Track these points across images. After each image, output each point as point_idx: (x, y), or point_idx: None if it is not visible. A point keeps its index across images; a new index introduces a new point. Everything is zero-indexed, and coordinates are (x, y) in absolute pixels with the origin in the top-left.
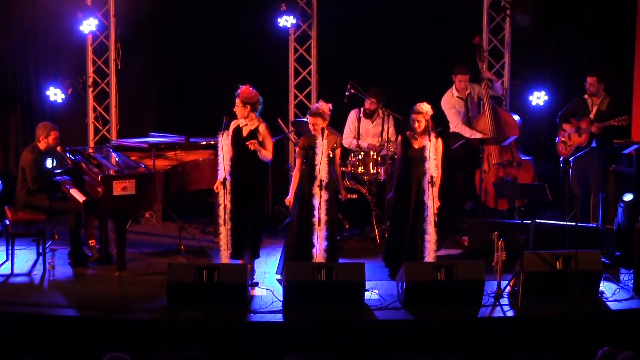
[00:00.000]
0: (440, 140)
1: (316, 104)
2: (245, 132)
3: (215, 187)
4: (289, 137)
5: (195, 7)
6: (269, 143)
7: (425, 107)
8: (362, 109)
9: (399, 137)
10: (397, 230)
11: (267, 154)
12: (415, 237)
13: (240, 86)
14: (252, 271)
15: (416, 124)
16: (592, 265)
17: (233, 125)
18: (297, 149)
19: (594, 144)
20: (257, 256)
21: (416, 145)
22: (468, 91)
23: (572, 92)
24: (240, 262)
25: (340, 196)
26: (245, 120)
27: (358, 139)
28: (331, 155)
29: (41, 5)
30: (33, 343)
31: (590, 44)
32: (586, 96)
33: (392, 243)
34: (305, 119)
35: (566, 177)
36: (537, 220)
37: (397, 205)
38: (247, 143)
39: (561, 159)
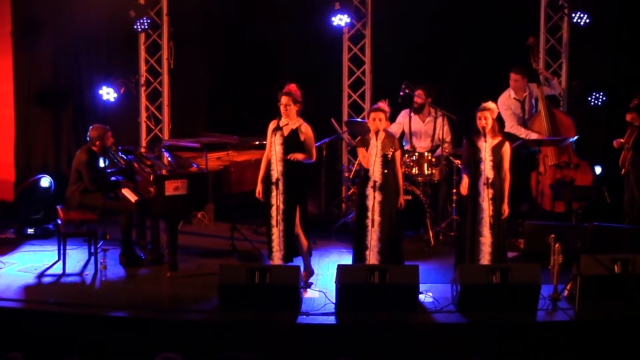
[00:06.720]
0: (508, 143)
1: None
2: (286, 132)
3: (258, 191)
4: (342, 138)
5: (249, 5)
6: (312, 143)
7: (492, 105)
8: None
9: (465, 141)
10: (461, 235)
11: (309, 158)
12: (472, 241)
13: (288, 84)
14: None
15: (483, 121)
16: None
17: (273, 125)
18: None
19: None
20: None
21: (482, 147)
22: (526, 93)
23: (632, 92)
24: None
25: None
26: (286, 119)
27: (410, 138)
28: (389, 157)
29: (93, 4)
30: (84, 343)
31: None
32: None
33: (457, 248)
34: (359, 119)
35: (625, 179)
36: (595, 223)
37: (465, 210)
38: (288, 157)
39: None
